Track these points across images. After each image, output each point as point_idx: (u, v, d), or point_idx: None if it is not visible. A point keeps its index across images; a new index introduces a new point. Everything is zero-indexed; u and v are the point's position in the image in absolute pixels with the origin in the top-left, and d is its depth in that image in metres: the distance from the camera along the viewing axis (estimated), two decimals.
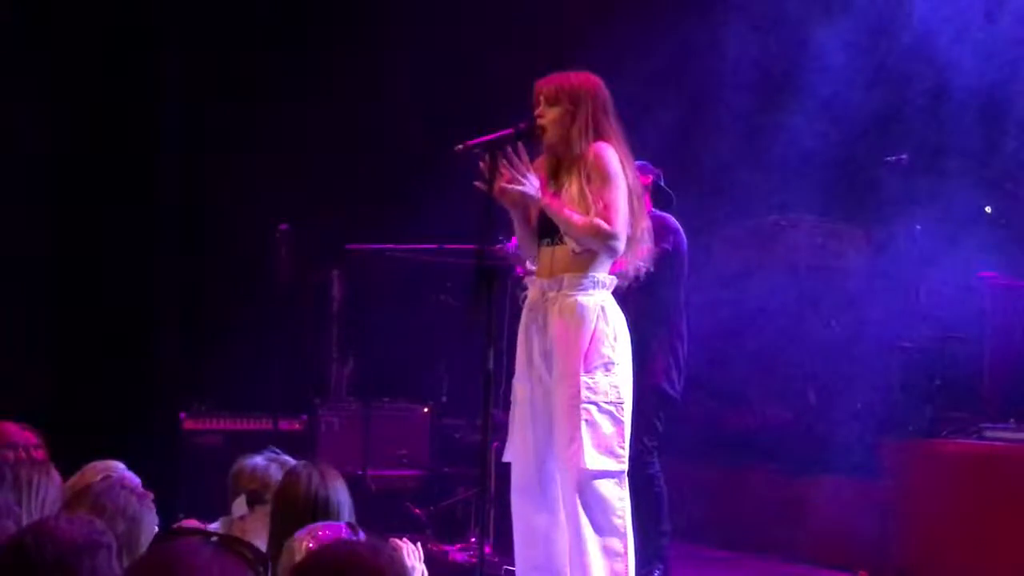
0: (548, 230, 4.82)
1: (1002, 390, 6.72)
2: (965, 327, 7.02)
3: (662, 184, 6.33)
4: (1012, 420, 6.48)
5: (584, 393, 4.66)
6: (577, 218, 4.71)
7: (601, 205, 4.72)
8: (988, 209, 7.12)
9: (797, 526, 7.17)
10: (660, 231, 6.26)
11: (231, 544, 2.40)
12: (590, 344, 4.69)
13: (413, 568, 3.59)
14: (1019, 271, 6.96)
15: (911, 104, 7.40)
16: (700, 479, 7.70)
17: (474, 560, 5.52)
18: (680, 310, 6.28)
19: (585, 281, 4.74)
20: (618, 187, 4.73)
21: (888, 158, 7.19)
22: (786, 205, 7.81)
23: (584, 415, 4.65)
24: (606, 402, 4.69)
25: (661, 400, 6.16)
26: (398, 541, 3.71)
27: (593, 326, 4.70)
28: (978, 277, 6.93)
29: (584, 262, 4.76)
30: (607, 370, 4.70)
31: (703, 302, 7.18)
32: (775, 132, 7.71)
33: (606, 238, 4.71)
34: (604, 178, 4.73)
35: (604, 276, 4.79)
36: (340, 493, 3.67)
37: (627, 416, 4.74)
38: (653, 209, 6.22)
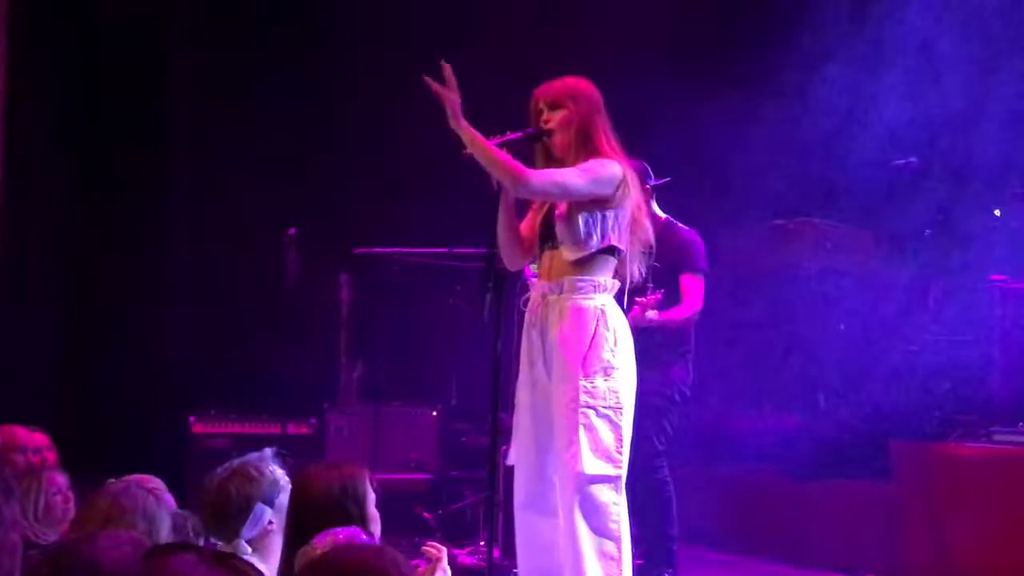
0: (548, 234, 4.80)
1: (1012, 393, 6.69)
2: (975, 330, 7.01)
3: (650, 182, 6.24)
4: (1021, 423, 6.46)
5: (583, 397, 4.62)
6: (493, 149, 4.60)
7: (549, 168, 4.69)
8: (997, 212, 7.10)
9: (806, 529, 7.16)
10: (701, 252, 6.26)
11: (226, 560, 2.26)
12: (589, 348, 4.65)
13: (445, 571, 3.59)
14: None
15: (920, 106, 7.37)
16: (709, 482, 7.68)
17: (483, 564, 5.51)
18: None
19: (585, 285, 4.71)
20: (575, 175, 4.64)
21: (897, 161, 7.18)
22: (794, 208, 7.78)
23: (582, 419, 4.61)
24: (604, 407, 4.64)
25: (674, 405, 6.20)
26: (432, 547, 3.69)
27: (593, 330, 4.66)
28: (988, 280, 6.91)
29: (585, 266, 4.73)
30: (606, 375, 4.66)
31: (712, 305, 7.16)
32: (781, 134, 7.69)
33: (511, 173, 4.58)
34: (580, 167, 4.68)
35: (606, 280, 4.75)
36: (359, 483, 3.63)
37: (626, 421, 4.70)
38: (670, 218, 6.22)
